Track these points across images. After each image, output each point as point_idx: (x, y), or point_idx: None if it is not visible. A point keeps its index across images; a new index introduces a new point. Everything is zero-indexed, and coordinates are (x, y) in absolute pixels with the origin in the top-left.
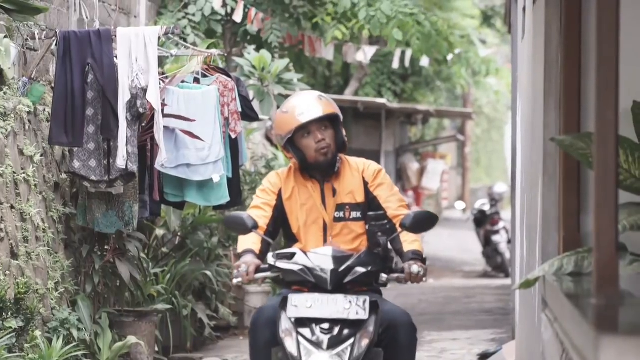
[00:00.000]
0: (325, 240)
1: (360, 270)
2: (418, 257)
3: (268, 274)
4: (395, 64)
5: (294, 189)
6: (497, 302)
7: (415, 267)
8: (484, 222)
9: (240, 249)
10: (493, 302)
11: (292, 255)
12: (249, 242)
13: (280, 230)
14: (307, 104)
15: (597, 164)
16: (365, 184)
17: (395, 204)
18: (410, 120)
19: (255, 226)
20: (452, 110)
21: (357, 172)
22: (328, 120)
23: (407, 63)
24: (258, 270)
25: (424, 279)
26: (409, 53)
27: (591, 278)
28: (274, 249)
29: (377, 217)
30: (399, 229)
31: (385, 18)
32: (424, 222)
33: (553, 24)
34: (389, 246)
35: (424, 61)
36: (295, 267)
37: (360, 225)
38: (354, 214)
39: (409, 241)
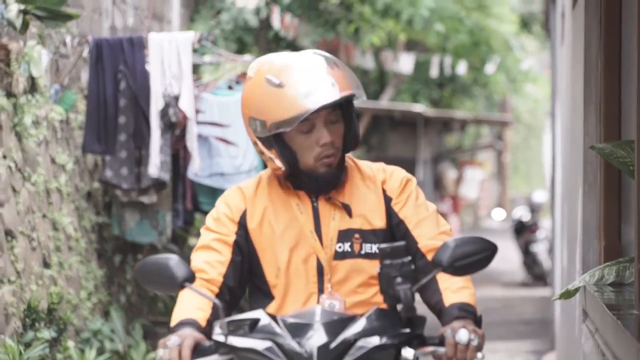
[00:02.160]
0: (320, 290)
1: (369, 344)
2: (468, 314)
3: (214, 357)
4: (435, 71)
5: (266, 211)
6: (536, 313)
7: (464, 333)
8: (523, 231)
9: (174, 321)
10: (532, 313)
11: (254, 323)
12: (191, 307)
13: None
14: (317, 76)
15: (638, 173)
16: (388, 200)
17: (432, 229)
18: (447, 128)
19: (190, 278)
20: (490, 118)
21: (374, 184)
22: (340, 106)
23: (447, 70)
24: (197, 350)
25: (479, 354)
26: (448, 60)
27: (633, 288)
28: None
29: (392, 252)
30: (434, 270)
31: (428, 12)
32: (472, 256)
33: (592, 29)
34: (415, 299)
35: (461, 68)
36: (260, 345)
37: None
38: (367, 248)
39: (452, 289)
